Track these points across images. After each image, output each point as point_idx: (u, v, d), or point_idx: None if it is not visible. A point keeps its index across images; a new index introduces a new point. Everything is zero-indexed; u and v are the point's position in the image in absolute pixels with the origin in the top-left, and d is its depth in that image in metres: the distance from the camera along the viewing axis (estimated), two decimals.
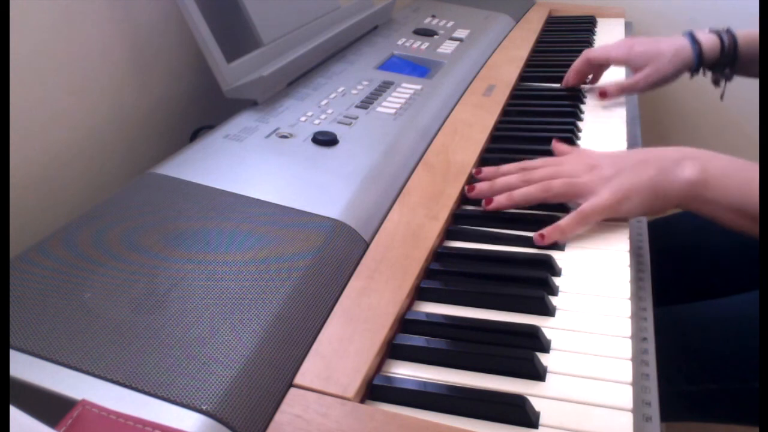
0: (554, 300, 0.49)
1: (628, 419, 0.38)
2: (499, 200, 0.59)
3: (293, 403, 0.38)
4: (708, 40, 0.79)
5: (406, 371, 0.43)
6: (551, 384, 0.41)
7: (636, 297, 0.51)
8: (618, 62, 0.85)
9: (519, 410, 0.38)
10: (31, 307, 0.41)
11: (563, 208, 0.60)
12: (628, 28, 1.22)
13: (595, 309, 0.47)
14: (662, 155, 0.55)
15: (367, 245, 0.52)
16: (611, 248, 0.54)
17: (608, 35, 1.15)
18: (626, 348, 0.44)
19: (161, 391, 0.36)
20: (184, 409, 0.35)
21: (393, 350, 0.44)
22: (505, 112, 0.81)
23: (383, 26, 1.07)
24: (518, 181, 0.59)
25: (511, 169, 0.62)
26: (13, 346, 0.38)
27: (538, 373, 0.42)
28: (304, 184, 0.57)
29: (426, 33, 1.03)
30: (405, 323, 0.47)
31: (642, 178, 0.54)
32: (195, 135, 0.79)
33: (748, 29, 0.79)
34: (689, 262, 0.82)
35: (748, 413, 0.63)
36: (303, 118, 0.69)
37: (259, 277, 0.45)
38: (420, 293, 0.50)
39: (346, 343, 0.42)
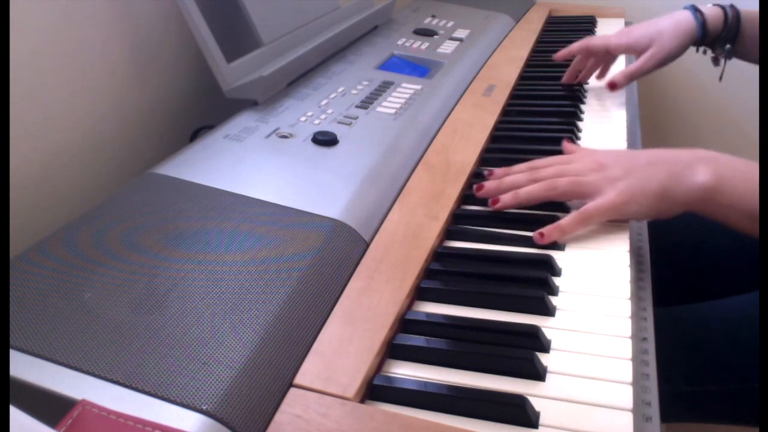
0: (554, 300, 0.49)
1: (628, 419, 0.38)
2: (505, 199, 0.58)
3: (293, 403, 0.38)
4: (711, 11, 0.78)
5: (406, 371, 0.43)
6: (551, 384, 0.41)
7: (636, 297, 0.51)
8: (619, 49, 0.84)
9: (519, 410, 0.38)
10: (31, 307, 0.41)
11: (565, 208, 0.60)
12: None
13: (595, 309, 0.47)
14: (674, 158, 0.54)
15: (367, 245, 0.52)
16: (611, 248, 0.54)
17: None
18: (626, 348, 0.44)
19: (161, 391, 0.36)
20: (184, 409, 0.35)
21: (393, 350, 0.44)
22: (505, 112, 0.81)
23: (383, 26, 1.07)
24: (525, 180, 0.59)
25: (521, 169, 0.61)
26: (13, 346, 0.38)
27: (538, 373, 0.42)
28: (304, 184, 0.57)
29: (426, 33, 1.03)
30: (405, 323, 0.47)
31: (651, 181, 0.53)
32: (195, 135, 0.79)
33: (750, 9, 0.78)
34: (689, 262, 0.82)
35: (748, 414, 0.63)
36: (303, 118, 0.69)
37: (259, 277, 0.45)
38: (420, 293, 0.50)
39: (346, 343, 0.42)
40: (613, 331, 0.45)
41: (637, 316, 0.49)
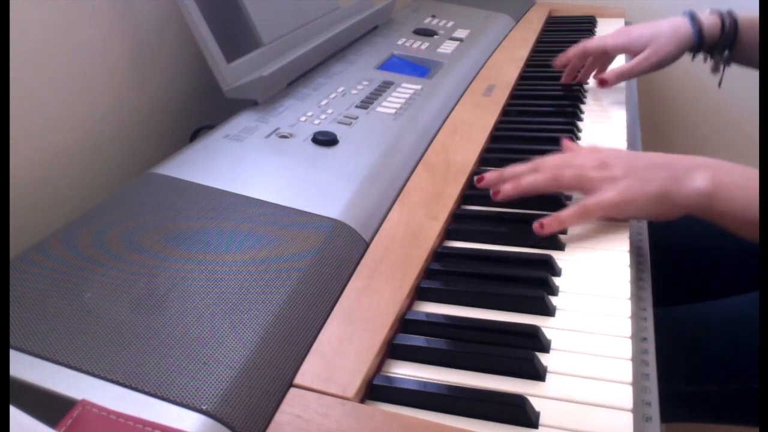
0: (554, 300, 0.49)
1: (628, 419, 0.38)
2: (505, 188, 0.58)
3: (293, 403, 0.38)
4: (708, 19, 0.78)
5: (406, 371, 0.43)
6: (551, 384, 0.41)
7: (636, 297, 0.51)
8: (616, 50, 0.84)
9: (519, 410, 0.38)
10: (31, 307, 0.41)
11: (563, 208, 0.59)
12: None
13: (595, 309, 0.47)
14: (675, 162, 0.54)
15: (367, 245, 0.52)
16: (611, 248, 0.54)
17: None
18: (626, 348, 0.44)
19: (161, 391, 0.36)
20: (184, 409, 0.35)
21: (393, 350, 0.44)
22: (505, 112, 0.81)
23: (383, 26, 1.07)
24: (527, 170, 0.58)
25: (522, 167, 0.61)
26: (13, 346, 0.38)
27: (538, 373, 0.42)
28: (304, 184, 0.57)
29: (426, 33, 1.03)
30: (405, 323, 0.47)
31: (651, 183, 0.53)
32: (195, 135, 0.79)
33: (749, 14, 0.79)
34: (689, 262, 0.82)
35: (749, 414, 0.63)
36: (303, 118, 0.69)
37: (259, 277, 0.45)
38: (420, 293, 0.50)
39: (346, 343, 0.42)
40: (613, 331, 0.45)
41: (637, 316, 0.49)
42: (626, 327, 0.45)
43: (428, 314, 0.48)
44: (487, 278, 0.51)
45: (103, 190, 0.71)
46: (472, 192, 0.63)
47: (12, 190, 0.60)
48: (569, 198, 0.61)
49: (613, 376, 0.41)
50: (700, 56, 0.82)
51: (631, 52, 0.81)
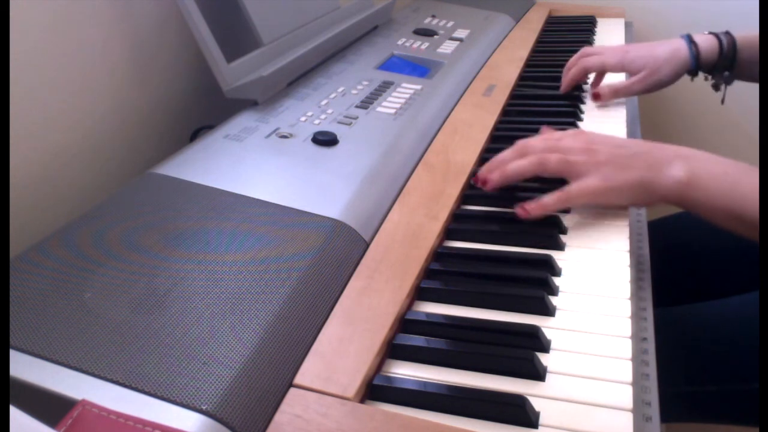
0: (554, 300, 0.49)
1: (628, 419, 0.38)
2: (492, 177, 0.59)
3: (293, 403, 0.38)
4: (705, 42, 0.79)
5: (406, 371, 0.43)
6: (551, 384, 0.41)
7: (636, 297, 0.51)
8: (614, 69, 0.85)
9: (519, 410, 0.38)
10: (31, 307, 0.41)
11: (566, 209, 0.60)
12: (628, 28, 1.22)
13: (595, 309, 0.47)
14: (656, 151, 0.56)
15: (367, 245, 0.52)
16: (611, 248, 0.54)
17: (608, 35, 1.15)
18: (626, 348, 0.44)
19: (161, 391, 0.36)
20: (184, 409, 0.35)
21: (393, 350, 0.44)
22: (505, 112, 0.81)
23: (383, 26, 1.07)
24: (512, 156, 0.59)
25: (512, 151, 0.61)
26: (13, 346, 0.38)
27: (538, 373, 0.42)
28: (304, 184, 0.57)
29: (426, 33, 1.03)
30: (405, 323, 0.47)
31: (632, 171, 0.55)
32: (195, 135, 0.79)
33: (747, 31, 0.79)
34: (689, 262, 0.82)
35: (748, 414, 0.63)
36: (303, 118, 0.69)
37: (259, 277, 0.45)
38: (420, 293, 0.50)
39: (346, 343, 0.42)
40: (613, 331, 0.45)
41: (637, 316, 0.49)
42: (626, 327, 0.45)
43: (428, 314, 0.48)
44: (487, 278, 0.51)
45: (103, 190, 0.71)
46: (472, 192, 0.63)
47: (12, 190, 0.60)
48: None
49: (613, 376, 0.41)
50: (700, 75, 0.83)
51: (628, 71, 0.82)
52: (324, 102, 0.73)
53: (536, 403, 0.40)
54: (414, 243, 0.53)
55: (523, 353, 0.42)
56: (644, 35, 1.32)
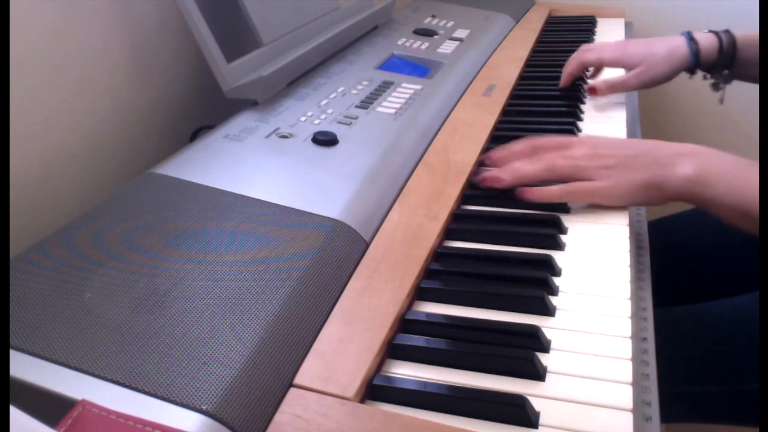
0: (554, 300, 0.49)
1: (628, 419, 0.38)
2: (503, 178, 0.60)
3: (293, 403, 0.38)
4: (705, 40, 0.79)
5: (406, 371, 0.43)
6: (551, 384, 0.41)
7: (636, 297, 0.51)
8: (612, 64, 0.85)
9: (519, 410, 0.38)
10: (31, 307, 0.41)
11: (565, 208, 0.60)
12: (628, 28, 1.22)
13: (595, 309, 0.47)
14: (664, 150, 0.56)
15: (367, 245, 0.52)
16: (611, 248, 0.54)
17: (608, 35, 1.15)
18: (626, 348, 0.44)
19: (161, 391, 0.36)
20: (184, 409, 0.35)
21: (393, 350, 0.44)
22: (505, 112, 0.81)
23: (383, 26, 1.07)
24: (523, 158, 0.61)
25: (521, 147, 0.62)
26: (13, 346, 0.38)
27: (538, 373, 0.42)
28: (304, 184, 0.57)
29: (426, 33, 1.03)
30: (405, 323, 0.47)
31: (641, 172, 0.55)
32: (195, 135, 0.79)
33: (747, 31, 0.79)
34: (689, 262, 0.82)
35: (749, 414, 0.63)
36: (303, 118, 0.69)
37: (259, 277, 0.45)
38: (420, 293, 0.50)
39: (346, 343, 0.42)
40: (613, 331, 0.45)
41: (637, 316, 0.49)
42: (626, 327, 0.45)
43: (428, 314, 0.48)
44: (487, 278, 0.51)
45: (103, 190, 0.71)
46: (472, 192, 0.63)
47: (12, 190, 0.60)
48: None
49: (613, 376, 0.41)
50: (699, 74, 0.83)
51: (626, 66, 0.82)
52: (324, 102, 0.73)
53: (536, 403, 0.40)
54: (414, 243, 0.53)
55: (523, 353, 0.42)
56: (644, 35, 1.32)
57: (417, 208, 0.57)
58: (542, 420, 0.39)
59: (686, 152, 0.55)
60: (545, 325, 0.46)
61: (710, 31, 0.80)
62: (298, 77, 0.80)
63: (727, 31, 0.79)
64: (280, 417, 0.38)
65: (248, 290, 0.44)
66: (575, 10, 1.30)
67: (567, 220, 0.58)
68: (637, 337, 0.47)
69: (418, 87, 0.80)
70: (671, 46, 0.79)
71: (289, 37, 0.83)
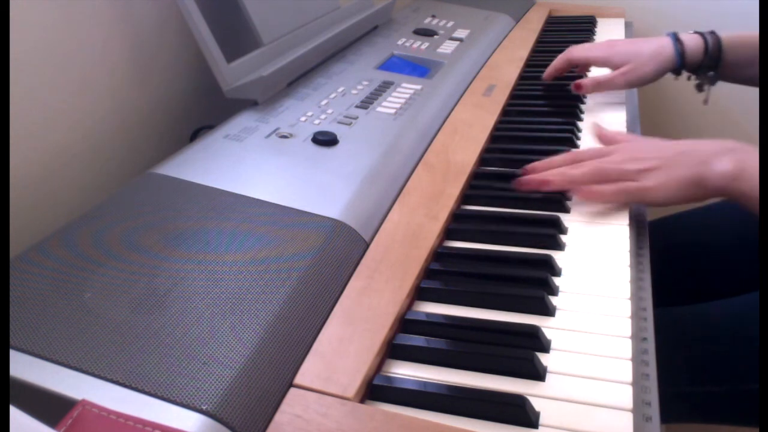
0: (554, 300, 0.49)
1: (628, 419, 0.38)
2: (555, 180, 0.60)
3: (293, 403, 0.38)
4: (691, 40, 0.79)
5: (406, 371, 0.43)
6: (551, 384, 0.41)
7: (636, 297, 0.51)
8: (598, 62, 0.85)
9: (519, 410, 0.38)
10: (31, 307, 0.41)
11: (564, 208, 0.60)
12: (628, 28, 1.22)
13: (595, 309, 0.47)
14: (703, 147, 0.57)
15: (367, 245, 0.52)
16: (611, 248, 0.54)
17: (608, 35, 1.15)
18: (626, 348, 0.44)
19: (161, 391, 0.36)
20: (184, 409, 0.35)
21: (393, 350, 0.44)
22: (505, 112, 0.81)
23: (383, 26, 1.07)
24: (565, 163, 0.62)
25: (562, 160, 0.63)
26: (13, 346, 0.38)
27: (538, 373, 0.42)
28: (304, 184, 0.57)
29: (426, 33, 1.03)
30: (405, 323, 0.47)
31: (682, 170, 0.56)
32: (195, 135, 0.79)
33: (733, 32, 0.79)
34: (689, 262, 0.82)
35: (749, 414, 0.63)
36: (303, 118, 0.69)
37: (259, 277, 0.45)
38: (420, 293, 0.50)
39: (346, 343, 0.42)
40: (613, 331, 0.45)
41: (637, 316, 0.49)
42: (626, 327, 0.45)
43: (428, 314, 0.48)
44: (487, 278, 0.51)
45: (103, 190, 0.71)
46: (472, 192, 0.63)
47: (12, 190, 0.60)
48: (569, 198, 0.61)
49: (613, 376, 0.41)
50: (684, 75, 0.83)
51: (612, 65, 0.82)
52: (324, 102, 0.73)
53: (536, 403, 0.40)
54: (414, 243, 0.53)
55: (523, 353, 0.42)
56: (644, 35, 1.32)
57: (417, 208, 0.57)
58: (542, 420, 0.39)
59: (724, 148, 0.56)
60: (545, 325, 0.46)
61: (696, 33, 0.80)
62: (298, 77, 0.80)
63: (712, 33, 0.79)
64: (280, 417, 0.38)
65: (248, 290, 0.44)
66: (575, 10, 1.30)
67: (567, 220, 0.58)
68: (637, 337, 0.47)
69: (418, 87, 0.80)
70: (657, 47, 0.79)
71: (289, 37, 0.83)
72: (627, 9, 1.30)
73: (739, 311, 0.66)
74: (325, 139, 0.64)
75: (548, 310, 0.47)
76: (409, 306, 0.49)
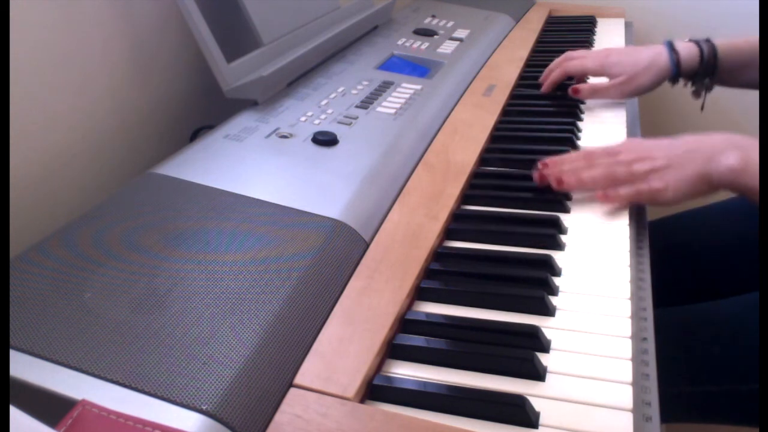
0: (554, 300, 0.49)
1: (628, 419, 0.38)
2: (570, 181, 0.61)
3: (293, 403, 0.38)
4: (686, 49, 0.79)
5: (406, 371, 0.43)
6: (551, 384, 0.41)
7: (636, 297, 0.51)
8: (594, 73, 0.85)
9: (519, 410, 0.38)
10: (31, 307, 0.41)
11: (564, 208, 0.60)
12: (628, 28, 1.22)
13: (595, 309, 0.47)
14: (709, 143, 0.58)
15: (367, 245, 0.52)
16: (611, 248, 0.54)
17: (608, 35, 1.15)
18: (626, 348, 0.44)
19: (161, 391, 0.36)
20: (184, 409, 0.35)
21: (393, 350, 0.44)
22: (505, 112, 0.81)
23: (383, 26, 1.07)
24: (583, 165, 0.62)
25: (573, 158, 0.63)
26: (13, 346, 0.38)
27: (538, 373, 0.42)
28: (304, 184, 0.57)
29: (426, 33, 1.03)
30: (405, 323, 0.47)
31: (690, 167, 0.57)
32: (195, 135, 0.79)
33: (728, 38, 0.79)
34: (689, 262, 0.82)
35: (748, 414, 0.63)
36: (303, 118, 0.69)
37: (259, 277, 0.45)
38: (420, 293, 0.50)
39: (346, 343, 0.42)
40: (613, 331, 0.45)
41: (637, 316, 0.49)
42: (626, 327, 0.45)
43: (428, 314, 0.48)
44: (487, 278, 0.51)
45: (103, 190, 0.71)
46: (472, 192, 0.63)
47: (12, 190, 0.60)
48: (569, 198, 0.61)
49: (613, 376, 0.41)
50: (680, 83, 0.83)
51: (608, 75, 0.82)
52: (324, 102, 0.73)
53: (536, 403, 0.40)
54: (414, 243, 0.53)
55: (523, 353, 0.42)
56: (644, 35, 1.32)
57: (417, 208, 0.57)
58: (542, 420, 0.39)
59: (729, 143, 0.56)
60: (545, 325, 0.46)
61: (690, 41, 0.80)
62: (298, 77, 0.80)
63: (707, 41, 0.79)
64: (280, 417, 0.38)
65: (248, 290, 0.44)
66: (575, 10, 1.30)
67: (567, 220, 0.58)
68: (637, 337, 0.47)
69: (418, 87, 0.80)
70: (652, 57, 0.79)
71: (289, 37, 0.83)
72: (627, 9, 1.30)
73: (739, 311, 0.66)
74: (325, 139, 0.64)
75: (548, 310, 0.47)
76: (409, 306, 0.49)
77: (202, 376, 0.37)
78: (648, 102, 1.32)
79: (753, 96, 1.20)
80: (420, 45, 0.97)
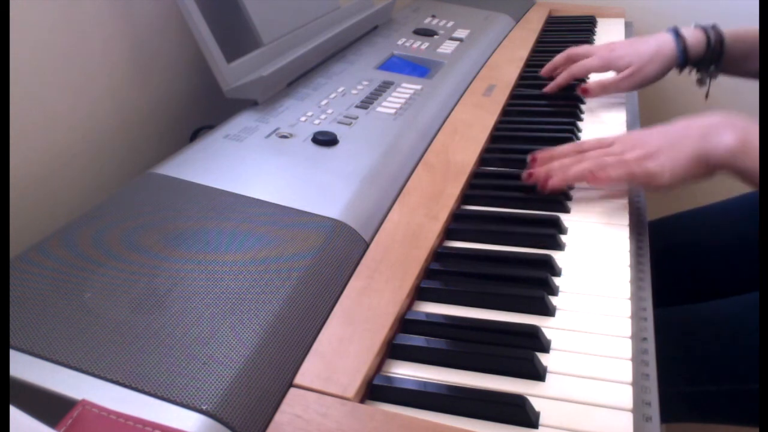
0: (554, 300, 0.49)
1: (628, 419, 0.38)
2: (553, 182, 0.60)
3: (293, 403, 0.38)
4: (693, 36, 0.78)
5: (406, 371, 0.43)
6: (551, 384, 0.41)
7: (636, 297, 0.51)
8: (600, 71, 0.84)
9: (519, 410, 0.38)
10: (31, 307, 0.41)
11: (564, 208, 0.60)
12: (628, 28, 1.22)
13: (595, 309, 0.47)
14: (705, 122, 0.57)
15: (367, 245, 0.52)
16: (611, 248, 0.54)
17: (608, 35, 1.15)
18: (626, 348, 0.44)
19: (161, 391, 0.36)
20: (184, 409, 0.35)
21: (393, 350, 0.44)
22: (505, 112, 0.81)
23: (383, 26, 1.07)
24: (572, 160, 0.61)
25: (564, 151, 0.63)
26: (13, 346, 0.38)
27: (538, 373, 0.42)
28: (304, 184, 0.57)
29: (426, 33, 1.03)
30: (405, 323, 0.47)
31: (686, 148, 0.56)
32: (195, 135, 0.79)
33: (735, 27, 0.79)
34: (689, 262, 0.82)
35: (748, 415, 0.63)
36: (303, 118, 0.69)
37: (259, 277, 0.45)
38: (420, 293, 0.50)
39: (346, 343, 0.42)
40: (613, 331, 0.45)
41: (637, 316, 0.49)
42: (626, 327, 0.45)
43: (428, 314, 0.48)
44: (487, 278, 0.51)
45: (103, 190, 0.71)
46: (472, 192, 0.63)
47: (12, 190, 0.60)
48: (569, 198, 0.61)
49: (613, 376, 0.41)
50: (687, 72, 0.83)
51: (614, 69, 0.82)
52: (324, 102, 0.73)
53: (536, 403, 0.40)
54: (414, 243, 0.53)
55: (523, 353, 0.42)
56: (644, 35, 1.32)
57: (417, 208, 0.57)
58: (542, 420, 0.39)
59: (725, 122, 0.55)
60: (545, 325, 0.46)
61: (697, 27, 0.80)
62: (298, 77, 0.80)
63: (713, 27, 0.79)
64: (280, 417, 0.38)
65: (248, 290, 0.44)
66: (575, 10, 1.30)
67: (567, 220, 0.58)
68: (637, 337, 0.47)
69: (418, 87, 0.80)
70: (658, 45, 0.78)
71: (289, 37, 0.84)
72: (627, 9, 1.30)
73: (739, 311, 0.66)
74: (325, 139, 0.64)
75: (548, 310, 0.47)
76: (409, 306, 0.49)
77: (202, 376, 0.37)
78: (648, 102, 1.32)
79: (753, 92, 1.20)
80: (420, 45, 0.97)
